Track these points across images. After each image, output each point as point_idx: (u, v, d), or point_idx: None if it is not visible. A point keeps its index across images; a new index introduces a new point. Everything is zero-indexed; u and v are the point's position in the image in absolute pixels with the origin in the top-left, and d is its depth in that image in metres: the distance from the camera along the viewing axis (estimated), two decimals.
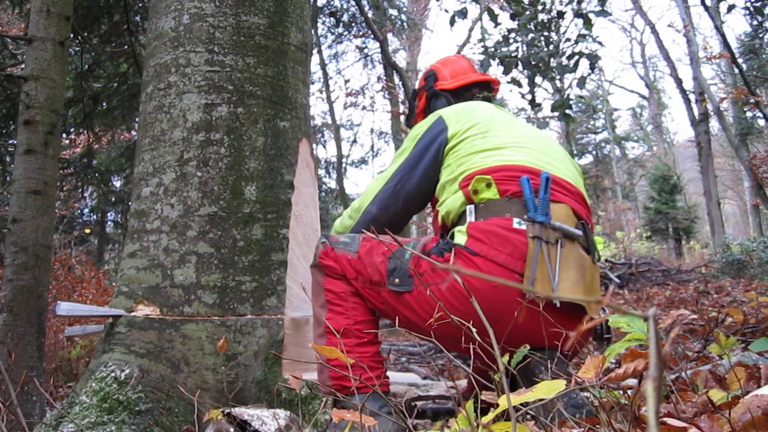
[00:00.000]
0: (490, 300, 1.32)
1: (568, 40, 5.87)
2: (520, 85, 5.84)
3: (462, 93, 1.91)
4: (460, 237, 1.43)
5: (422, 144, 1.62)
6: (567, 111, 5.88)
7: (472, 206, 1.47)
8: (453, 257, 1.39)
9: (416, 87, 2.05)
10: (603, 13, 5.64)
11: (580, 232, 1.45)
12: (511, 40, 5.79)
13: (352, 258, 1.51)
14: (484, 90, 1.94)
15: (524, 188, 1.44)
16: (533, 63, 5.64)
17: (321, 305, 1.54)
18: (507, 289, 1.34)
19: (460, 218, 1.51)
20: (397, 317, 1.48)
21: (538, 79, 5.84)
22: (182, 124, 2.08)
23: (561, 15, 5.59)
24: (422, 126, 1.67)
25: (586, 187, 1.72)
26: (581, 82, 5.61)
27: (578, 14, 5.59)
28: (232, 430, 1.49)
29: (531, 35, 5.60)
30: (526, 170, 1.48)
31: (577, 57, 5.66)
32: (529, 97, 6.05)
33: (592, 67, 5.80)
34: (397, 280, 1.44)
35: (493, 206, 1.44)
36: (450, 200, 1.53)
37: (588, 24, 5.58)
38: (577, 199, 1.54)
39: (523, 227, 1.38)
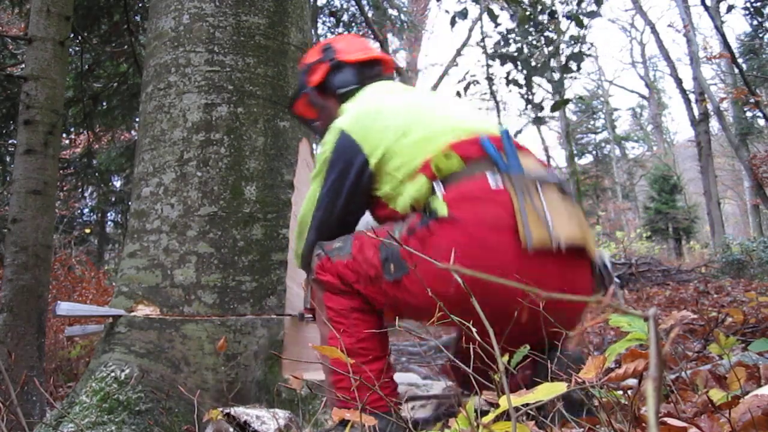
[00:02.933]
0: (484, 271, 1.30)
1: (563, 42, 5.89)
2: (519, 85, 5.85)
3: (365, 69, 1.75)
4: (441, 207, 1.36)
5: (337, 171, 1.54)
6: (540, 115, 5.98)
7: (439, 181, 1.41)
8: (439, 227, 1.34)
9: (306, 61, 1.83)
10: (593, 14, 5.70)
11: (554, 178, 1.44)
12: (511, 41, 5.81)
13: (348, 261, 1.48)
14: (383, 69, 1.80)
15: (487, 148, 1.40)
16: (533, 65, 5.65)
17: (324, 320, 1.51)
18: (499, 256, 1.31)
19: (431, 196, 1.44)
20: (402, 310, 1.46)
21: (537, 79, 5.86)
22: (182, 124, 2.08)
23: (553, 14, 5.61)
24: (327, 146, 1.57)
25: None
26: (559, 84, 5.70)
27: (569, 16, 5.63)
28: (231, 430, 1.49)
29: (530, 36, 5.61)
30: (478, 135, 1.44)
31: (570, 59, 5.71)
32: (528, 96, 6.06)
33: (578, 67, 5.85)
34: (392, 267, 1.40)
35: (461, 173, 1.40)
36: (412, 189, 1.44)
37: (580, 24, 5.61)
38: (528, 151, 1.51)
39: (501, 184, 1.35)
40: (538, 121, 6.08)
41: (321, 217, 1.59)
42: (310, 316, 1.98)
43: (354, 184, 1.53)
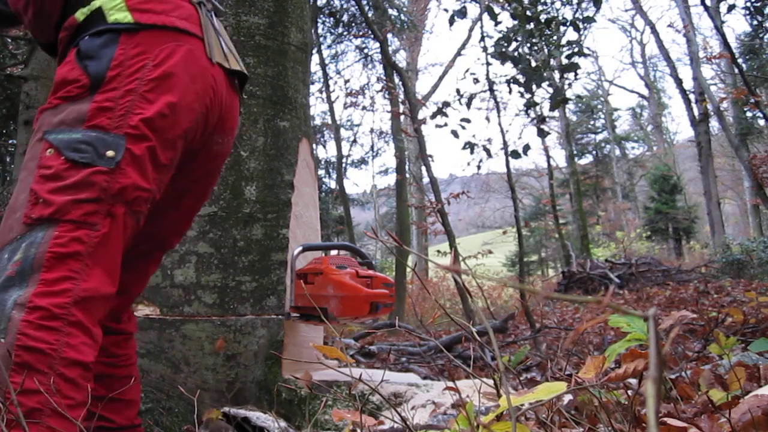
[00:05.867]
0: (193, 81, 1.17)
1: (562, 46, 5.93)
2: (519, 83, 5.85)
3: None
4: (120, 15, 1.13)
5: None
6: (543, 127, 6.06)
7: None
8: (126, 41, 1.11)
9: None
10: (588, 20, 5.77)
11: (222, 8, 1.38)
12: (512, 41, 5.81)
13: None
14: None
15: None
16: (534, 66, 5.66)
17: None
18: (200, 63, 1.18)
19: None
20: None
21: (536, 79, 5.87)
22: None
23: (549, 23, 5.65)
24: None
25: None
26: (556, 105, 5.79)
27: (564, 23, 5.69)
28: (230, 429, 1.49)
29: (532, 37, 5.63)
30: None
31: (565, 70, 5.79)
32: (527, 96, 6.07)
33: (575, 76, 5.92)
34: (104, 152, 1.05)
35: None
36: None
37: (577, 29, 5.67)
38: None
39: None
40: (542, 134, 6.15)
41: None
42: (297, 315, 1.98)
43: None
